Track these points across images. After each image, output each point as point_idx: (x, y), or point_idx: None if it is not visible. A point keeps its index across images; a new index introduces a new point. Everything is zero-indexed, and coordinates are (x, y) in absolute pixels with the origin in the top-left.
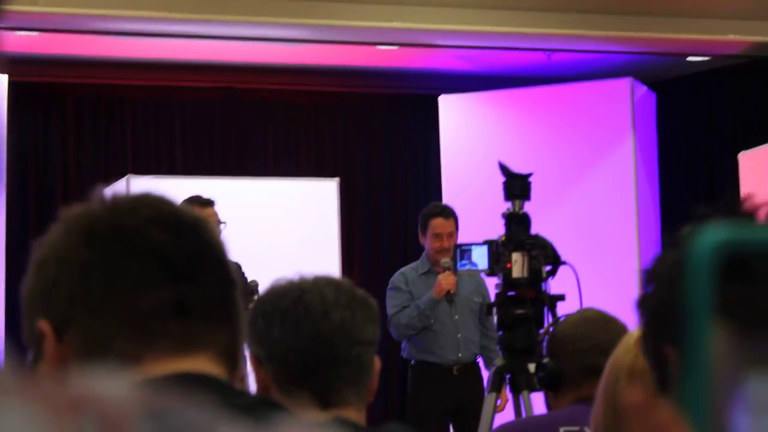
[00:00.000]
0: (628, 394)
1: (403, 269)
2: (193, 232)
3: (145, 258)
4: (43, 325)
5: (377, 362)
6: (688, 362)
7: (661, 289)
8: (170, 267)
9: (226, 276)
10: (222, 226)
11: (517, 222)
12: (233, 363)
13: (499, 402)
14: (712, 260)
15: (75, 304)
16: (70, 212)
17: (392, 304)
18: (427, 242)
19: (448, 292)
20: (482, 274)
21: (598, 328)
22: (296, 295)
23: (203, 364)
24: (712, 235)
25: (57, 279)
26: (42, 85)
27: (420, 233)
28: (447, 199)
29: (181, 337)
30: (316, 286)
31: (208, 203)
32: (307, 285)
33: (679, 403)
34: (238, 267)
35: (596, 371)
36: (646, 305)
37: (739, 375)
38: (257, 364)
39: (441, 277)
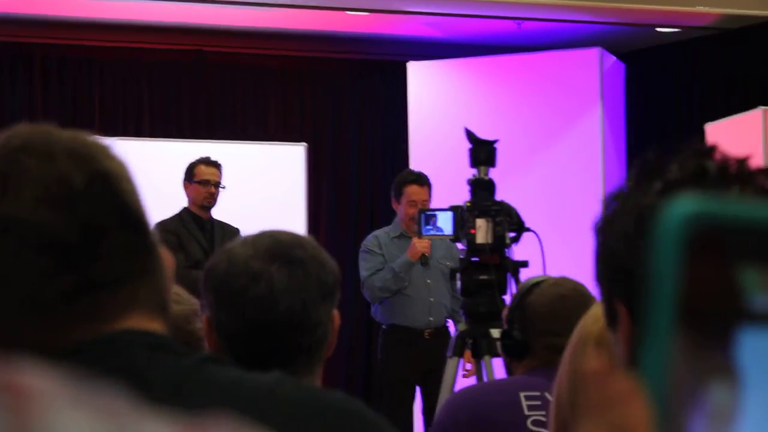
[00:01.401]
0: (588, 362)
1: (375, 232)
2: (90, 194)
3: (39, 251)
4: None
5: (336, 317)
6: (648, 334)
7: (615, 240)
8: (63, 255)
9: (134, 227)
10: (220, 188)
11: (481, 188)
12: (164, 311)
13: (469, 366)
14: (680, 235)
15: None
16: None
17: (366, 266)
18: (401, 208)
19: (423, 255)
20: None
21: (573, 308)
22: (245, 282)
23: (137, 323)
24: (682, 207)
25: None
26: (9, 44)
27: (393, 198)
28: (414, 165)
29: (97, 312)
30: (267, 269)
31: (214, 164)
32: (258, 267)
33: (639, 373)
34: (236, 232)
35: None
36: (599, 249)
37: (698, 381)
38: (209, 326)
39: (416, 240)
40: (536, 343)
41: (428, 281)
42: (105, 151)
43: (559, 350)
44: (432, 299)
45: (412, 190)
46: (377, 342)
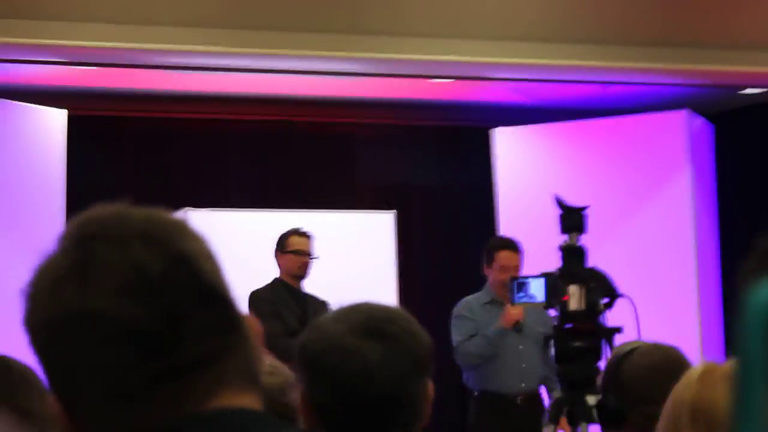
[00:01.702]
0: None
1: (467, 298)
2: (168, 280)
3: (122, 341)
4: (52, 401)
5: (431, 388)
6: (741, 418)
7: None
8: (146, 344)
9: (216, 305)
10: (313, 260)
11: (573, 255)
12: (255, 384)
13: None
14: (765, 317)
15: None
16: (40, 289)
17: (458, 332)
18: (493, 273)
19: (517, 321)
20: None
21: (666, 377)
22: (339, 360)
23: (227, 400)
24: (764, 292)
25: (46, 367)
26: (100, 118)
27: (485, 263)
28: (502, 230)
29: (183, 395)
30: (361, 345)
31: (306, 235)
32: (352, 344)
33: None
34: (325, 305)
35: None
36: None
37: None
38: (303, 399)
39: (509, 307)
40: (632, 411)
41: (520, 347)
42: (181, 230)
43: (655, 418)
44: (524, 365)
45: (504, 256)
46: (469, 409)
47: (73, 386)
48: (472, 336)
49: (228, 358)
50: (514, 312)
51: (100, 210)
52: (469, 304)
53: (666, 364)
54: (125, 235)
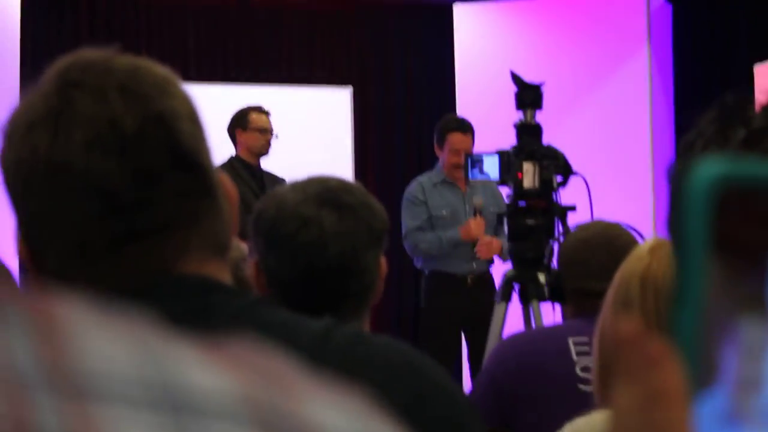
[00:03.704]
0: (620, 324)
1: (419, 178)
2: (141, 138)
3: (88, 197)
4: (19, 239)
5: (383, 265)
6: (681, 298)
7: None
8: (113, 201)
9: (189, 169)
10: (273, 137)
11: (528, 132)
12: (221, 253)
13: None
14: (708, 196)
15: (29, 240)
16: (15, 130)
17: (410, 217)
18: (444, 155)
19: (475, 211)
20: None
21: (594, 251)
22: (295, 227)
23: (189, 268)
24: (709, 169)
25: (15, 209)
26: None
27: (436, 144)
28: (461, 108)
29: (146, 258)
30: (318, 213)
31: (266, 113)
32: (308, 212)
33: (672, 336)
34: (283, 182)
35: (591, 294)
36: (673, 197)
37: (730, 315)
38: (257, 270)
39: (473, 223)
40: (567, 287)
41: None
42: (164, 88)
43: (586, 293)
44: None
45: (455, 139)
46: (420, 288)
47: (39, 235)
48: (423, 223)
49: (197, 225)
50: (475, 229)
51: (87, 55)
52: (420, 185)
53: (596, 239)
54: (105, 87)
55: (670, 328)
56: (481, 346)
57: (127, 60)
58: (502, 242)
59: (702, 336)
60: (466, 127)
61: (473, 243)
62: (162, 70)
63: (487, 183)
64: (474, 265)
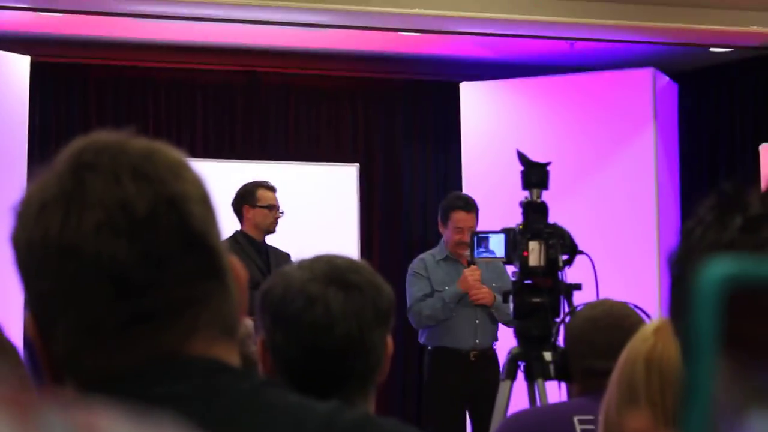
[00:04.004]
0: (630, 420)
1: (422, 255)
2: (152, 221)
3: (98, 279)
4: (28, 317)
5: (389, 345)
6: (690, 395)
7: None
8: (122, 283)
9: (199, 252)
10: (280, 214)
11: (534, 210)
12: (230, 335)
13: None
14: (717, 295)
15: (40, 319)
16: (27, 210)
17: (412, 290)
18: (448, 233)
19: (468, 263)
20: (499, 263)
21: (601, 331)
22: (302, 305)
23: (197, 349)
24: (718, 269)
25: (25, 287)
26: (64, 65)
27: (440, 222)
28: (467, 186)
29: (154, 340)
30: (324, 292)
31: (273, 189)
32: (315, 291)
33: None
34: (287, 257)
35: (597, 373)
36: (673, 283)
37: (740, 410)
38: (264, 348)
39: (467, 272)
40: (574, 366)
41: (475, 303)
42: (177, 171)
43: (592, 373)
44: (478, 321)
45: (459, 217)
46: (423, 364)
47: (48, 314)
48: (425, 295)
49: (205, 306)
50: (471, 277)
51: (102, 137)
52: (424, 261)
53: (604, 318)
54: (118, 170)
55: (680, 425)
56: (484, 423)
57: (141, 143)
58: (495, 296)
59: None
60: (470, 206)
61: (475, 322)
62: (175, 154)
63: (492, 261)
64: (477, 340)
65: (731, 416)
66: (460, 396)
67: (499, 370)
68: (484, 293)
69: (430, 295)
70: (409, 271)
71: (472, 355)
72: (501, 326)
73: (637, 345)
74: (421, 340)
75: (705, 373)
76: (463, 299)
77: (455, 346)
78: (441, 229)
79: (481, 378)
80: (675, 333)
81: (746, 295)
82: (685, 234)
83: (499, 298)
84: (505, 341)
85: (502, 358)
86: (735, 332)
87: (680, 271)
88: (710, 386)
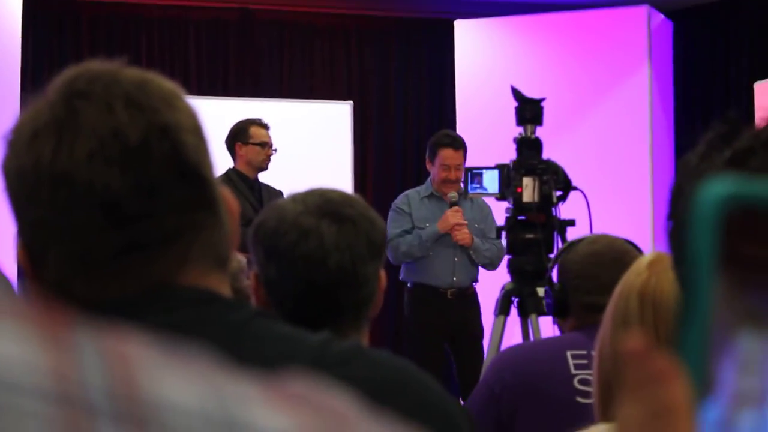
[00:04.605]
0: (626, 341)
1: (407, 192)
2: (144, 149)
3: (90, 207)
4: (19, 246)
5: (383, 278)
6: (688, 315)
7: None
8: (114, 212)
9: (191, 182)
10: (273, 151)
11: (528, 147)
12: (221, 265)
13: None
14: (716, 215)
15: (31, 247)
16: (19, 138)
17: (393, 226)
18: (435, 170)
19: (451, 203)
20: (493, 199)
21: (605, 266)
22: (295, 238)
23: (188, 279)
24: (717, 189)
25: (16, 215)
26: (56, 2)
27: (428, 159)
28: (461, 124)
29: (146, 269)
30: (318, 225)
31: (266, 126)
32: (308, 223)
33: (678, 353)
34: (280, 194)
35: (599, 308)
36: (669, 217)
37: (731, 328)
38: (257, 282)
39: (449, 213)
40: (573, 301)
41: (454, 241)
42: (170, 100)
43: (595, 308)
44: (457, 259)
45: (447, 154)
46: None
47: (39, 243)
48: (405, 231)
49: (197, 237)
50: (452, 218)
51: (95, 66)
52: (407, 197)
53: (606, 254)
54: (110, 98)
55: (677, 343)
56: (464, 359)
57: (134, 73)
58: (473, 238)
59: (707, 351)
60: (458, 143)
61: (453, 260)
62: (168, 84)
63: (478, 199)
64: (455, 278)
65: (723, 335)
66: (439, 332)
67: (478, 308)
68: (464, 234)
69: (410, 231)
70: (392, 206)
71: (449, 293)
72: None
73: (631, 279)
74: (401, 276)
75: (703, 293)
76: (443, 238)
77: (433, 284)
78: (428, 166)
79: (460, 315)
80: (672, 263)
81: (743, 215)
82: (682, 165)
83: (477, 240)
84: (486, 282)
85: (482, 297)
86: (731, 253)
87: (676, 199)
88: (708, 305)
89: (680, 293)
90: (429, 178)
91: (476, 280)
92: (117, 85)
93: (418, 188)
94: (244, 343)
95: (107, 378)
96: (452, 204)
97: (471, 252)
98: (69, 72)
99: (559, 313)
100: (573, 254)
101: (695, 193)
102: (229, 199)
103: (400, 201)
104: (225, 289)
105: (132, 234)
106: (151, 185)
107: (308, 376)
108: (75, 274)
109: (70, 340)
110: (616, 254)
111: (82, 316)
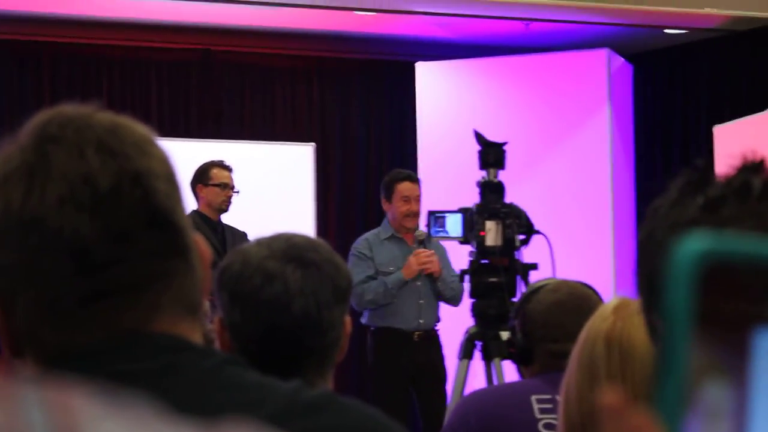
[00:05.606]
0: (603, 396)
1: (365, 235)
2: (115, 196)
3: (60, 253)
4: None
5: (348, 323)
6: (664, 369)
7: (653, 253)
8: (84, 258)
9: (162, 229)
10: (234, 193)
11: (491, 190)
12: (193, 312)
13: None
14: (692, 271)
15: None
16: None
17: (355, 272)
18: (394, 207)
19: (417, 242)
20: (456, 242)
21: (569, 314)
22: (259, 282)
23: (159, 327)
24: (694, 245)
25: None
26: (17, 42)
27: (384, 199)
28: (422, 166)
29: (115, 317)
30: (282, 269)
31: (228, 168)
32: (273, 268)
33: (654, 408)
34: (244, 236)
35: (564, 355)
36: (638, 261)
37: (698, 380)
38: (221, 326)
39: (412, 259)
40: (539, 350)
41: (418, 284)
42: (142, 147)
43: (560, 355)
44: (422, 301)
45: (405, 187)
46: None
47: (8, 287)
48: (369, 277)
49: (168, 284)
50: (416, 263)
51: (67, 110)
52: (368, 240)
53: (571, 301)
54: (82, 143)
55: (654, 398)
56: (429, 402)
57: (107, 117)
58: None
59: (684, 407)
60: (413, 177)
61: (418, 302)
62: (142, 129)
63: (438, 245)
64: (421, 321)
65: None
66: (404, 374)
67: (440, 351)
68: (432, 262)
69: (374, 276)
70: (352, 251)
71: (416, 336)
72: (444, 307)
73: (596, 324)
74: (363, 320)
75: (680, 349)
76: (409, 281)
77: (399, 327)
78: (385, 207)
79: (425, 357)
80: (641, 309)
81: (721, 271)
82: (652, 211)
83: (444, 271)
84: (449, 324)
85: (445, 340)
86: (708, 308)
87: (646, 245)
88: (684, 361)
89: (655, 346)
90: (385, 220)
91: (439, 320)
92: (89, 130)
93: (375, 230)
94: (214, 391)
95: (50, 428)
96: (420, 241)
97: (439, 283)
98: (41, 116)
99: (523, 362)
100: (536, 303)
101: (672, 249)
102: (201, 245)
103: (360, 245)
104: (196, 337)
105: (101, 281)
106: (121, 232)
107: (249, 426)
108: (44, 321)
109: (15, 393)
110: (578, 300)
111: (26, 369)
